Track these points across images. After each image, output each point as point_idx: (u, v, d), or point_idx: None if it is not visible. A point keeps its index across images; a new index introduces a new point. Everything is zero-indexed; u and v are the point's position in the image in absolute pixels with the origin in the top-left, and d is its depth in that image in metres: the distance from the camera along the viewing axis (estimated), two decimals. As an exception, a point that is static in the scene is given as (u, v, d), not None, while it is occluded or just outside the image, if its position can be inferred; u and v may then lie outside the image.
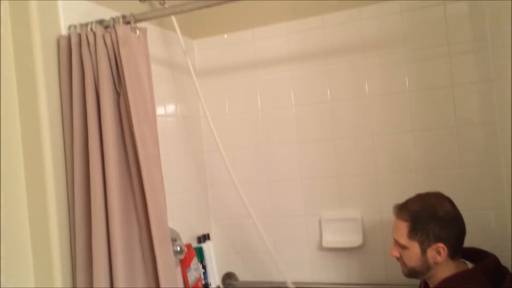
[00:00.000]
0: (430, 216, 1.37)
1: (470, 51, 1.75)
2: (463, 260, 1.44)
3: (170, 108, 1.95)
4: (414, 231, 1.37)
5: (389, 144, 1.86)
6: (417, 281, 1.64)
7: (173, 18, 1.84)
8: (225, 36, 2.14)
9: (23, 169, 1.35)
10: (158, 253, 1.30)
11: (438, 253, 1.36)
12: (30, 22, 1.33)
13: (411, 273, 1.43)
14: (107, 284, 1.28)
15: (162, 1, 1.82)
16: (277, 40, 2.05)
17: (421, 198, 1.44)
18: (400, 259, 1.44)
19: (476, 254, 1.47)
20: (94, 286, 1.28)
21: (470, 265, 1.43)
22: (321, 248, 1.96)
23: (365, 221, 1.90)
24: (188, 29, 2.17)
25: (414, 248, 1.38)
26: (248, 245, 2.10)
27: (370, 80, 1.89)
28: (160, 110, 1.86)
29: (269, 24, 2.06)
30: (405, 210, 1.41)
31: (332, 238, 1.94)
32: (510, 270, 1.38)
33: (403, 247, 1.40)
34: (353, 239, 1.90)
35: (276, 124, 2.05)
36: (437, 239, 1.35)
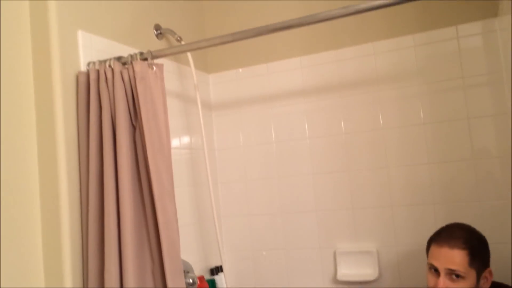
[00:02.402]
0: (481, 241, 1.38)
1: (485, 83, 1.75)
2: None
3: (184, 140, 1.98)
4: (474, 259, 1.33)
5: (405, 177, 1.85)
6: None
7: (188, 54, 1.89)
8: (240, 70, 2.19)
9: (39, 205, 1.38)
10: (170, 286, 1.30)
11: (486, 279, 1.36)
12: (51, 58, 1.39)
13: None
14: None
15: (179, 38, 1.87)
16: (291, 74, 2.08)
17: (459, 226, 1.43)
18: None
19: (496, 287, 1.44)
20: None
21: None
22: (336, 281, 1.93)
23: (381, 254, 1.87)
24: (204, 63, 2.22)
25: (472, 276, 1.33)
26: (261, 277, 2.08)
27: (384, 112, 1.90)
28: (174, 142, 1.89)
29: (283, 58, 2.10)
30: (456, 238, 1.36)
31: (347, 271, 1.91)
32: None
33: (461, 277, 1.33)
34: (369, 272, 1.87)
35: (290, 156, 2.06)
36: (487, 265, 1.36)
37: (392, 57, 1.90)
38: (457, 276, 1.32)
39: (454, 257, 1.33)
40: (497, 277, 1.47)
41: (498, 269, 1.49)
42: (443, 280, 1.34)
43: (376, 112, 1.91)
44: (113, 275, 1.28)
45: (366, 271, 1.88)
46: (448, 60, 1.80)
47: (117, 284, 1.29)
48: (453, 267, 1.33)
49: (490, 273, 1.37)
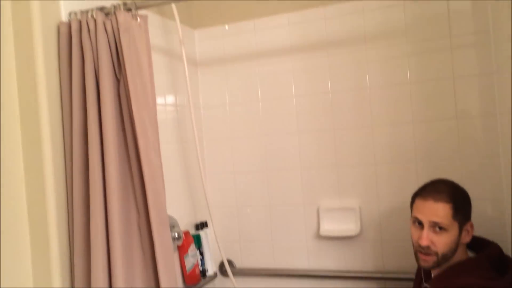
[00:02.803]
0: (464, 195, 1.43)
1: (472, 44, 1.75)
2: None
3: (170, 97, 1.96)
4: (457, 211, 1.38)
5: (389, 135, 1.87)
6: (412, 270, 1.66)
7: (173, 6, 1.84)
8: (226, 27, 2.14)
9: (22, 155, 1.36)
10: (156, 237, 1.32)
11: (467, 232, 1.40)
12: (30, 9, 1.34)
13: (440, 260, 1.38)
14: (105, 267, 1.29)
15: (163, -11, 1.81)
16: (278, 32, 2.05)
17: (444, 181, 1.47)
18: (430, 247, 1.38)
19: (478, 243, 1.49)
20: (92, 269, 1.30)
21: (470, 253, 1.45)
22: (319, 236, 1.98)
23: (363, 210, 1.91)
24: (189, 18, 2.17)
25: (454, 229, 1.38)
26: (245, 233, 2.12)
27: (371, 71, 1.90)
28: (159, 100, 1.87)
29: (270, 15, 2.06)
30: (441, 192, 1.40)
31: (329, 227, 1.96)
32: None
33: (444, 229, 1.36)
34: (351, 228, 1.92)
35: (276, 114, 2.06)
36: (469, 218, 1.42)
37: (380, 16, 1.88)
38: (441, 228, 1.36)
39: (439, 210, 1.37)
40: (476, 233, 1.52)
41: (476, 224, 1.53)
42: (426, 232, 1.38)
43: (363, 71, 1.91)
44: (99, 226, 1.29)
45: (348, 226, 1.93)
46: (437, 19, 1.79)
47: (103, 235, 1.30)
48: (437, 220, 1.37)
49: (471, 226, 1.41)
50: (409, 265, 1.73)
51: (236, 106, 2.13)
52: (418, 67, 1.82)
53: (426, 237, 1.37)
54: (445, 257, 1.38)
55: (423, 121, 1.81)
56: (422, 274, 1.55)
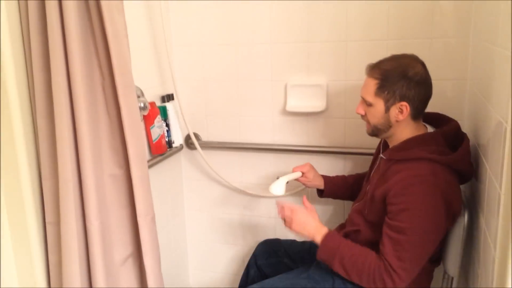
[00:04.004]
0: (400, 75, 1.39)
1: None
2: (424, 123, 1.51)
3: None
4: (381, 89, 1.41)
5: (362, 12, 1.81)
6: (372, 145, 1.74)
7: None
8: None
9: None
10: (122, 100, 1.29)
11: (400, 111, 1.42)
12: None
13: (373, 130, 1.50)
14: (70, 126, 1.27)
15: None
16: None
17: (394, 58, 1.46)
18: (364, 117, 1.50)
19: (439, 119, 1.55)
20: (57, 130, 1.28)
21: (430, 129, 1.51)
22: (285, 112, 2.00)
23: (330, 87, 1.92)
24: None
25: (379, 105, 1.43)
26: (212, 107, 2.12)
27: None
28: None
29: None
30: (377, 68, 1.43)
31: (296, 103, 1.97)
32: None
33: (369, 104, 1.45)
34: (317, 104, 1.94)
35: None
36: (402, 98, 1.40)
37: None
38: (368, 104, 1.45)
39: (367, 86, 1.45)
40: (436, 110, 1.57)
41: (437, 102, 1.58)
42: (360, 104, 1.50)
43: None
44: (61, 85, 1.24)
45: (314, 103, 1.95)
46: None
47: (66, 95, 1.26)
48: (362, 94, 1.47)
49: (406, 107, 1.40)
50: (368, 142, 1.80)
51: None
52: None
53: (359, 107, 1.50)
54: (377, 129, 1.48)
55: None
56: (381, 147, 1.62)
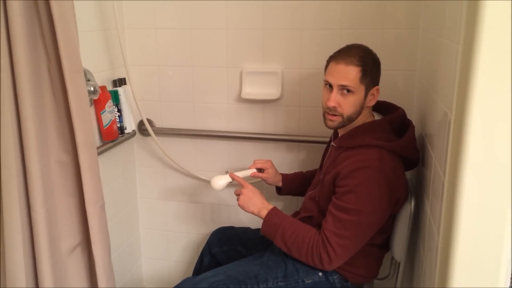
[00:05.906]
0: (374, 61, 1.46)
1: None
2: (373, 112, 1.56)
3: None
4: (365, 75, 1.41)
5: (316, 0, 1.82)
6: (326, 134, 1.76)
7: None
8: None
9: None
10: (69, 83, 1.23)
11: (373, 96, 1.47)
12: None
13: (345, 121, 1.46)
14: (13, 111, 1.21)
15: None
16: None
17: (358, 46, 1.48)
18: (336, 109, 1.44)
19: (386, 107, 1.59)
20: (-1, 113, 1.21)
21: (377, 116, 1.55)
22: (240, 99, 1.99)
23: (285, 75, 1.93)
24: None
25: (361, 92, 1.43)
26: (166, 93, 2.07)
27: None
28: None
29: None
30: (351, 56, 1.42)
31: (251, 90, 1.97)
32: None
33: (350, 92, 1.41)
34: (272, 92, 1.94)
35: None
36: (377, 83, 1.47)
37: None
38: (348, 91, 1.42)
39: (348, 73, 1.41)
40: (387, 98, 1.62)
41: (388, 92, 1.62)
42: (335, 95, 1.43)
43: None
44: (4, 68, 1.17)
45: (269, 90, 1.95)
46: None
47: (9, 80, 1.19)
48: (345, 83, 1.41)
49: (377, 91, 1.48)
50: (322, 130, 1.81)
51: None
52: None
53: (334, 99, 1.43)
54: (350, 119, 1.47)
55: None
56: (332, 135, 1.65)
